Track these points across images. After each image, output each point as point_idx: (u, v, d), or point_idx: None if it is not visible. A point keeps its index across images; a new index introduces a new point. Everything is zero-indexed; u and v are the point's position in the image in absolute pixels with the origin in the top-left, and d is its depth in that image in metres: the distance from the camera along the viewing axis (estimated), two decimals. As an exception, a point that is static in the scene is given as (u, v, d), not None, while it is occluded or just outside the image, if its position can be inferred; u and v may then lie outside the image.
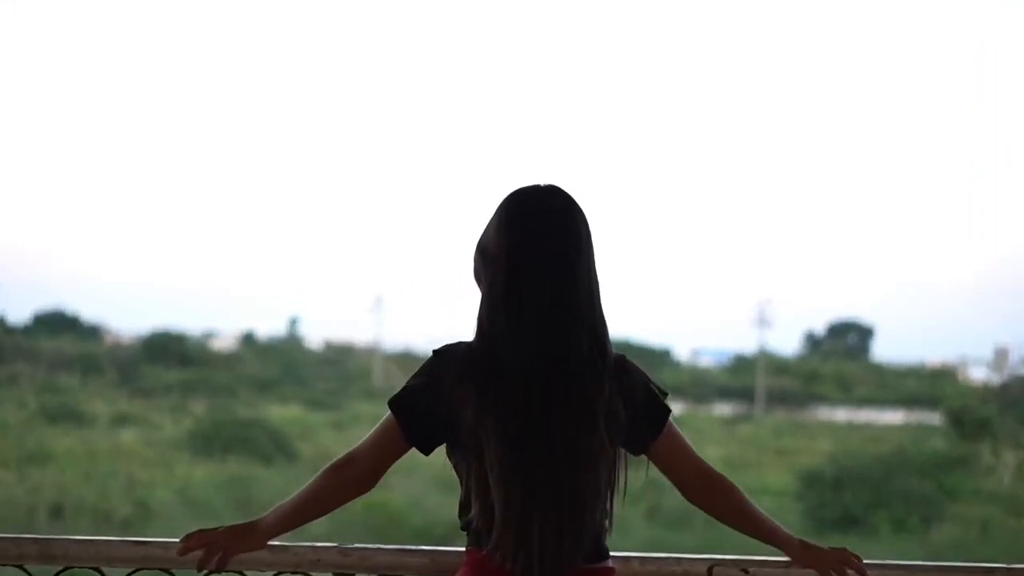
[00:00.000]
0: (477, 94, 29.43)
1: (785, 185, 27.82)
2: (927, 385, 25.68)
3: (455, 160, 30.36)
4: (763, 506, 2.46)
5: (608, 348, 2.36)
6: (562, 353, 2.31)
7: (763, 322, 30.65)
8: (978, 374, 25.55)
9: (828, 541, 2.58)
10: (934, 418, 22.56)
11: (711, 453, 18.23)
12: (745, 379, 29.52)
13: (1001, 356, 24.75)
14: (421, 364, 2.37)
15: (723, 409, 28.00)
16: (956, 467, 18.24)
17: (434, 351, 2.37)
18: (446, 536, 13.86)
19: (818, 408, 27.08)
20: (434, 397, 2.31)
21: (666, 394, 2.45)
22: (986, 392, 24.22)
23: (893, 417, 24.54)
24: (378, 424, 2.35)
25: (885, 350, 26.26)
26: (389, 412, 2.34)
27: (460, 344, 2.37)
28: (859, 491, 16.94)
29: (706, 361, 35.03)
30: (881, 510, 16.64)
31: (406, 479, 16.19)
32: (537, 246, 2.37)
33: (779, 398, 27.84)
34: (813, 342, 35.84)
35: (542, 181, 2.53)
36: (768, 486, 18.09)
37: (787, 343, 34.32)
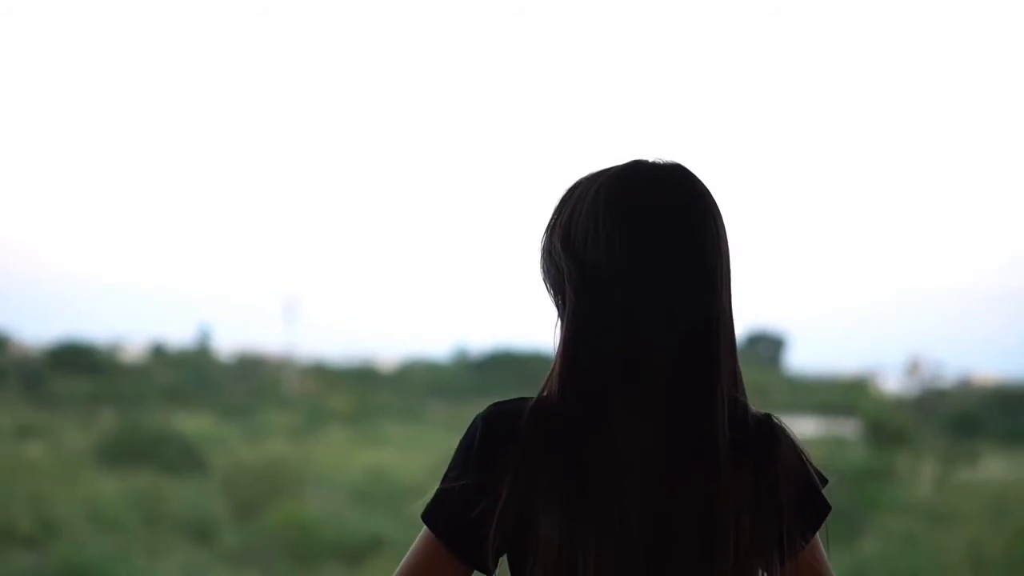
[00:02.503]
0: (383, 80, 29.08)
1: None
2: (841, 395, 25.63)
3: (373, 159, 29.99)
4: None
5: (749, 421, 1.69)
6: (696, 441, 1.61)
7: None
8: (892, 383, 25.46)
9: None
10: (849, 428, 22.51)
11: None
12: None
13: (914, 365, 24.69)
14: (460, 439, 1.70)
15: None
16: (875, 478, 18.19)
17: (481, 417, 1.68)
18: (362, 550, 13.52)
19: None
20: (486, 491, 1.64)
21: (826, 481, 1.78)
22: (901, 402, 24.21)
23: (808, 427, 24.46)
24: (413, 546, 1.73)
25: (799, 359, 26.05)
26: (425, 528, 1.72)
27: (522, 405, 1.66)
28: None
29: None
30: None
31: (320, 491, 15.83)
32: (657, 269, 1.64)
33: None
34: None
35: (654, 154, 1.70)
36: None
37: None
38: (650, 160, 1.71)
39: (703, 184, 1.71)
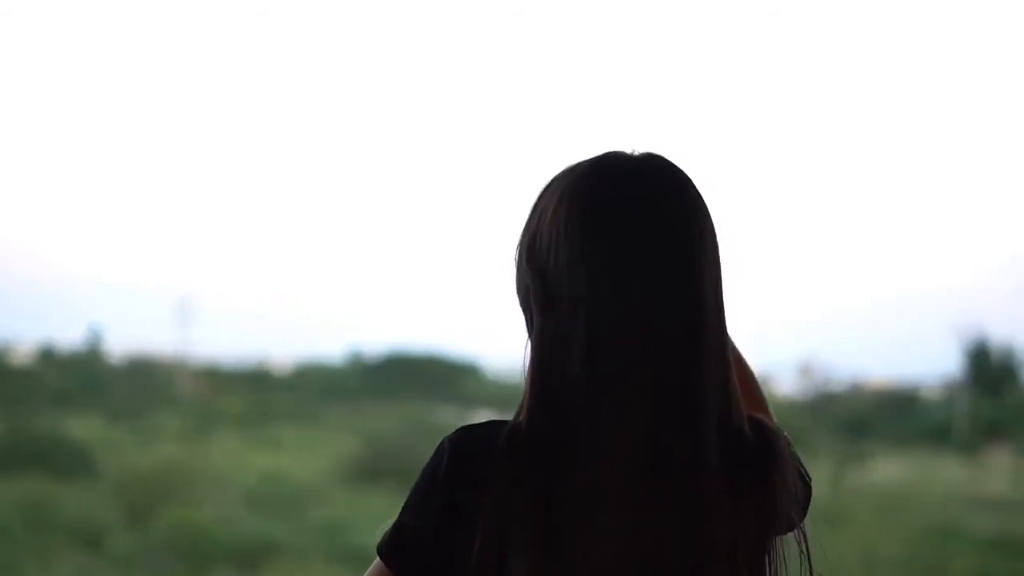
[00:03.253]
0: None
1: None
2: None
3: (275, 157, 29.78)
4: None
5: (747, 445, 1.46)
6: (681, 473, 1.40)
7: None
8: (785, 386, 25.65)
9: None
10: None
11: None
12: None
13: (807, 367, 24.89)
14: (424, 466, 1.50)
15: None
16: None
17: (449, 441, 1.49)
18: (256, 555, 13.38)
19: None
20: (453, 532, 1.44)
21: (810, 483, 1.60)
22: (794, 404, 24.40)
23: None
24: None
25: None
26: (378, 561, 1.57)
27: (494, 430, 1.47)
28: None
29: (515, 372, 34.81)
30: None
31: (213, 494, 15.66)
32: (632, 272, 1.43)
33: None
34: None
35: (629, 145, 1.50)
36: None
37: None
38: (624, 151, 1.51)
39: (684, 172, 1.50)
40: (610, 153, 1.51)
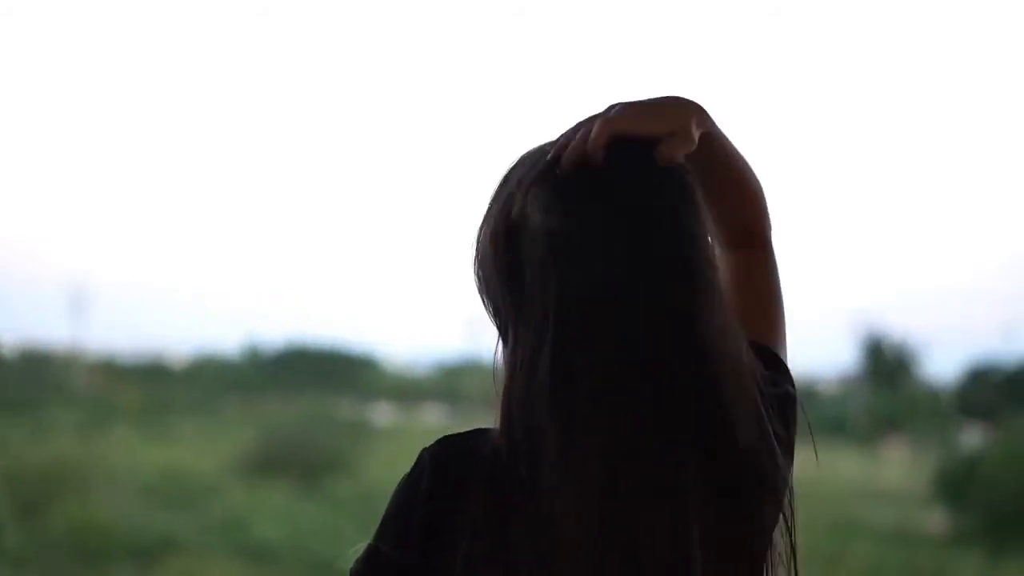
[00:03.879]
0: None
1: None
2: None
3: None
4: None
5: (770, 432, 1.32)
6: (654, 517, 1.26)
7: (473, 327, 30.64)
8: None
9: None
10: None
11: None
12: (455, 385, 29.41)
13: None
14: (400, 481, 1.35)
15: (434, 414, 27.83)
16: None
17: (429, 455, 1.34)
18: (153, 550, 13.22)
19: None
20: (436, 562, 1.30)
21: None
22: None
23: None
24: None
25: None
26: None
27: (474, 441, 1.34)
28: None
29: (414, 365, 34.88)
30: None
31: (110, 489, 15.47)
32: (621, 255, 1.30)
33: (490, 404, 27.77)
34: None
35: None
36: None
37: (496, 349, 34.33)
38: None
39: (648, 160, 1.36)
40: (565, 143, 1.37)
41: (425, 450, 1.34)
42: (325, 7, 27.28)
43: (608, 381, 1.28)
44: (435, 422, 26.40)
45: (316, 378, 26.38)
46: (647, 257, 1.30)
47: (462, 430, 1.36)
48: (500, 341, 1.38)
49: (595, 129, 1.33)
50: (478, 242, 1.39)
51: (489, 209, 1.40)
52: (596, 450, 1.27)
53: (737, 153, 1.46)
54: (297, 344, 29.61)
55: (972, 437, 21.95)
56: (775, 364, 1.44)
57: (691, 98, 1.40)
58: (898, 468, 20.55)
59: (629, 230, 1.31)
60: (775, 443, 1.35)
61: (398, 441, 18.60)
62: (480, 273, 1.40)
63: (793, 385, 1.45)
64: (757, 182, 1.49)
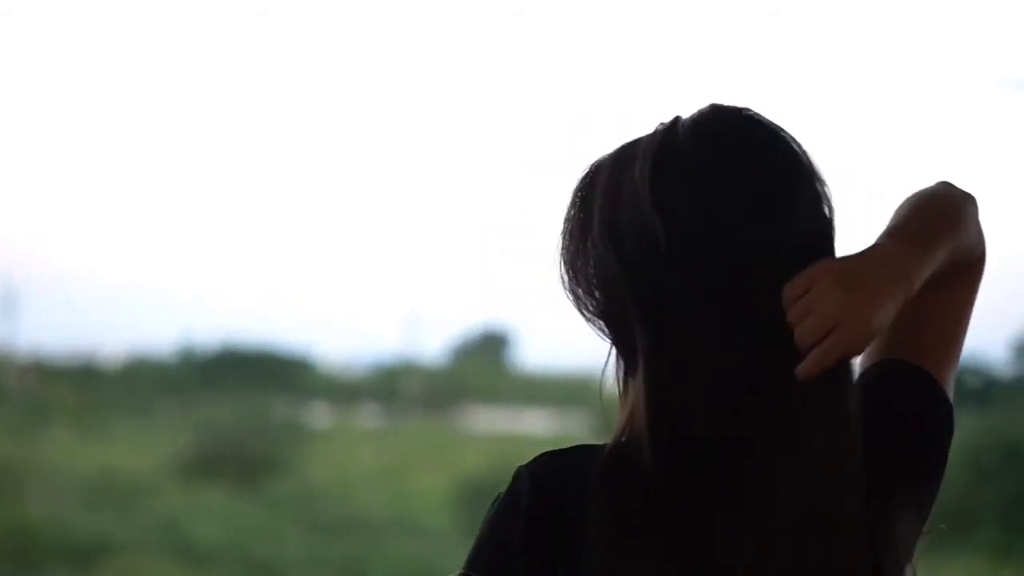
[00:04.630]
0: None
1: (438, 191, 27.75)
2: (574, 392, 26.01)
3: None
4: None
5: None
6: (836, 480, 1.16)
7: (410, 327, 30.57)
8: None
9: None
10: (578, 423, 22.80)
11: (364, 460, 17.92)
12: (392, 385, 29.34)
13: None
14: (493, 504, 1.23)
15: (370, 415, 27.74)
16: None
17: (528, 474, 1.22)
18: (88, 553, 13.12)
19: (469, 415, 27.11)
20: (532, 569, 1.17)
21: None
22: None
23: (542, 424, 24.70)
24: None
25: (532, 356, 26.28)
26: None
27: (578, 458, 1.23)
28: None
29: (350, 365, 34.75)
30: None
31: (43, 490, 15.34)
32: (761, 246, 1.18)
33: (428, 404, 27.75)
34: (460, 348, 35.98)
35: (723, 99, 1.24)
36: (425, 492, 17.92)
37: (434, 349, 34.37)
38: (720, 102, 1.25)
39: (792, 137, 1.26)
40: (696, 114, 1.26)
41: (522, 467, 1.23)
42: (315, 7, 27.22)
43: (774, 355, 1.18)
44: (371, 423, 26.35)
45: (252, 378, 26.23)
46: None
47: (562, 447, 1.26)
48: (619, 347, 1.28)
49: (825, 346, 1.17)
50: (565, 258, 1.28)
51: (578, 216, 1.28)
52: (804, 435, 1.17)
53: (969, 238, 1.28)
54: (232, 344, 29.45)
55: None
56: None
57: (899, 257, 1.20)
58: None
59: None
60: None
61: (334, 442, 18.58)
62: (577, 291, 1.28)
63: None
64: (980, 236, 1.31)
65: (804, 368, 1.17)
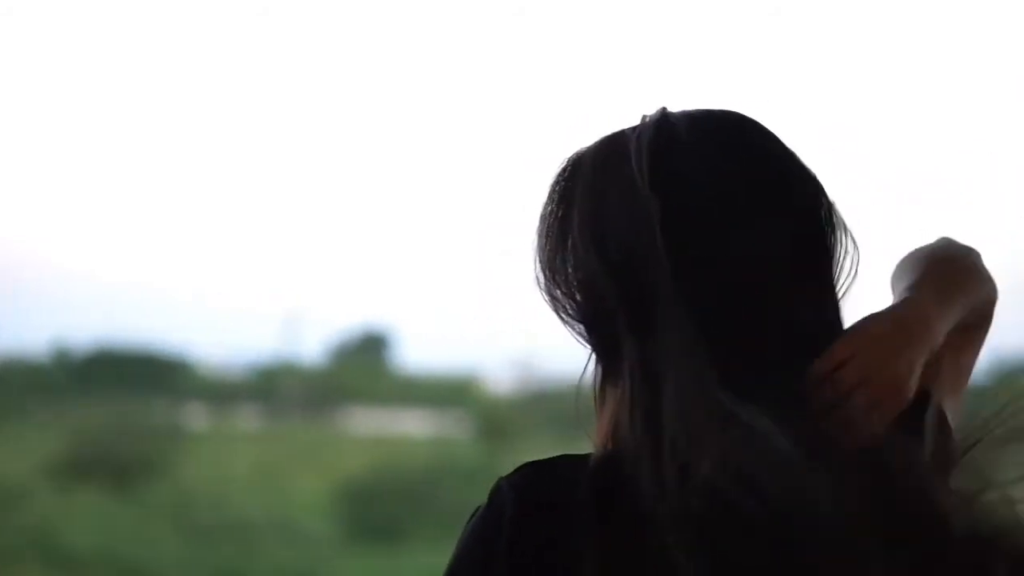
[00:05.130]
0: None
1: (316, 190, 27.56)
2: (451, 392, 26.07)
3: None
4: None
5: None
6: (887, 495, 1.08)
7: (289, 327, 30.31)
8: (500, 381, 25.99)
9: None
10: (459, 425, 22.80)
11: (242, 462, 17.79)
12: (270, 386, 29.11)
13: (522, 364, 25.18)
14: (469, 520, 1.18)
15: (248, 417, 27.50)
16: (489, 476, 18.51)
17: (509, 486, 1.16)
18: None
19: (348, 416, 26.94)
20: None
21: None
22: (509, 399, 24.71)
23: (422, 426, 24.63)
24: None
25: (413, 358, 26.24)
26: None
27: (564, 467, 1.16)
28: (397, 502, 16.82)
29: (228, 366, 34.41)
30: (421, 521, 16.56)
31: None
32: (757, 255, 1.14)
33: (307, 406, 27.54)
34: (339, 349, 35.76)
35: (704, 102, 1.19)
36: (304, 495, 17.79)
37: (313, 349, 34.16)
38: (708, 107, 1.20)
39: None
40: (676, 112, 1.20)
41: (503, 479, 1.17)
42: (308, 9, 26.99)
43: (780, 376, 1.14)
44: (250, 424, 26.12)
45: (127, 380, 25.89)
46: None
47: (545, 457, 1.18)
48: (600, 353, 1.21)
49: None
50: (541, 259, 1.22)
51: (557, 212, 1.20)
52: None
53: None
54: (107, 345, 29.05)
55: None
56: None
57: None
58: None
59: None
60: None
61: (212, 444, 18.38)
62: (556, 293, 1.21)
63: None
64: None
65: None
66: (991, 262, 1.31)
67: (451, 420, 23.30)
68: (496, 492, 1.16)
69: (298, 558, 13.86)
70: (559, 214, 1.19)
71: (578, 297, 1.20)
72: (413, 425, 25.58)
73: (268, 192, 27.92)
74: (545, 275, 1.21)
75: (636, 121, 1.18)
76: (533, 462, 1.17)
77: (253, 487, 17.39)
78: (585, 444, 1.24)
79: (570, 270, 1.19)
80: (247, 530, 14.83)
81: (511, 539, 1.11)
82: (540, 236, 1.21)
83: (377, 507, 16.97)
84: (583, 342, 1.21)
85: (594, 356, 1.21)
